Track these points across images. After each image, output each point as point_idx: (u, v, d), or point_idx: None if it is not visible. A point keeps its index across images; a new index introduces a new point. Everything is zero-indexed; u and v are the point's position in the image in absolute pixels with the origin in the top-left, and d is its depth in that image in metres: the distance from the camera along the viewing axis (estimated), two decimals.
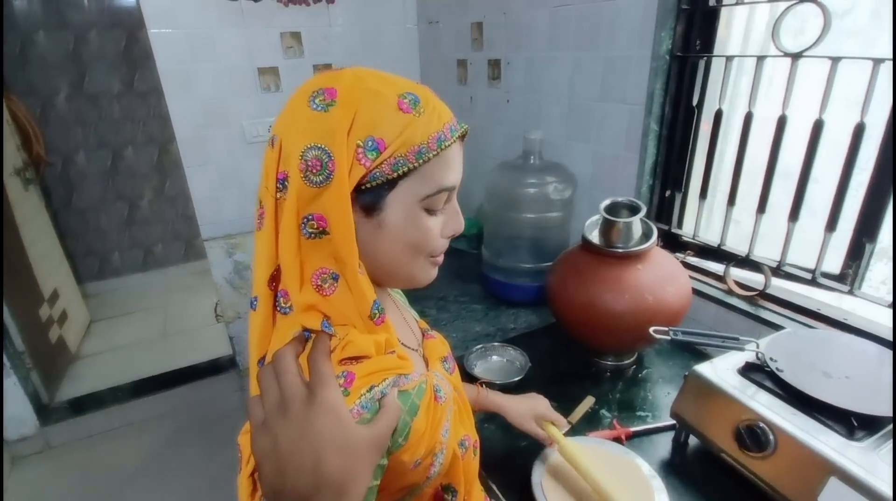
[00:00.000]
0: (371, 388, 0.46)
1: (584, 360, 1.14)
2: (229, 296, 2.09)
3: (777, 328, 1.02)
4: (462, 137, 0.52)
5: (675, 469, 0.84)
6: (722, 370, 0.81)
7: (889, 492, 0.58)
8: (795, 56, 0.95)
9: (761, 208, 1.08)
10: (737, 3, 1.07)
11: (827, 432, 0.67)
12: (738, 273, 1.16)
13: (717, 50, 1.13)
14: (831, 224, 0.96)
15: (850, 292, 0.96)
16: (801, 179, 0.99)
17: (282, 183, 0.46)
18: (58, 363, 2.50)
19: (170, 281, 3.58)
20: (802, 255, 1.04)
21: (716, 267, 1.21)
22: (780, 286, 1.09)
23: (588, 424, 0.95)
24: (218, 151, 1.90)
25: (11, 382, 2.06)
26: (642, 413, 0.98)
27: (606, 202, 1.06)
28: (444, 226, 0.54)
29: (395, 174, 0.47)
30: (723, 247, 1.17)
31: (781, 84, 0.99)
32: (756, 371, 0.79)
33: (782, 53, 0.97)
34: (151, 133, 3.32)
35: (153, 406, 2.37)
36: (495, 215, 1.48)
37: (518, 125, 1.65)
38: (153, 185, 3.45)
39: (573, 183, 1.38)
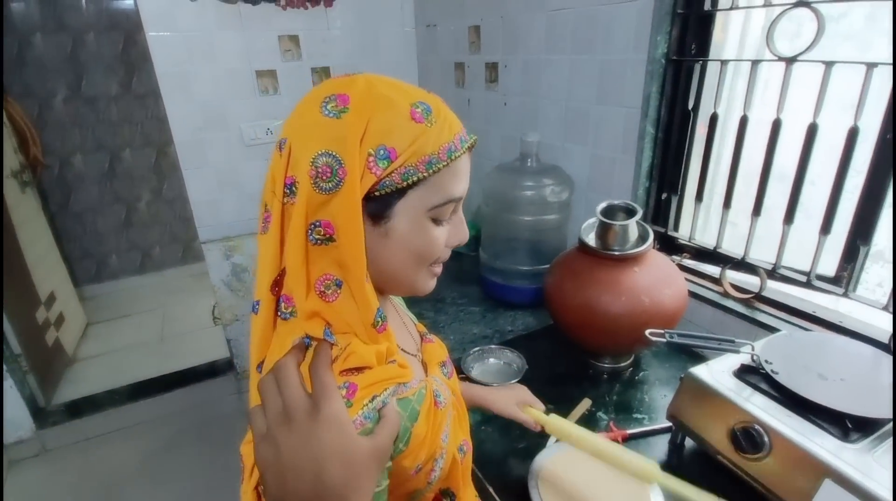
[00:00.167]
0: (373, 398, 0.46)
1: (581, 362, 1.15)
2: (227, 299, 2.08)
3: (772, 330, 1.02)
4: (471, 148, 0.52)
5: (672, 470, 0.83)
6: (718, 372, 0.81)
7: (886, 495, 0.58)
8: (790, 60, 0.96)
9: (757, 210, 1.08)
10: (732, 8, 1.07)
11: (822, 434, 0.68)
12: (733, 276, 1.16)
13: (712, 54, 1.13)
14: (826, 227, 0.97)
15: (845, 295, 0.96)
16: (796, 183, 1.00)
17: (290, 188, 0.46)
18: (54, 366, 2.49)
19: (167, 284, 3.58)
20: (798, 257, 1.05)
21: (712, 270, 1.21)
22: (775, 289, 1.09)
23: (585, 426, 0.94)
24: (216, 153, 1.90)
25: (8, 385, 2.05)
26: (639, 415, 0.98)
27: (603, 205, 1.06)
28: (450, 236, 0.54)
29: (405, 184, 0.46)
30: (719, 250, 1.18)
31: (776, 88, 1.00)
32: (751, 373, 0.80)
33: (777, 58, 0.98)
34: (149, 136, 3.32)
35: (150, 409, 2.36)
36: (493, 218, 1.49)
37: (515, 128, 1.65)
38: (151, 187, 3.45)
39: (570, 185, 1.38)
